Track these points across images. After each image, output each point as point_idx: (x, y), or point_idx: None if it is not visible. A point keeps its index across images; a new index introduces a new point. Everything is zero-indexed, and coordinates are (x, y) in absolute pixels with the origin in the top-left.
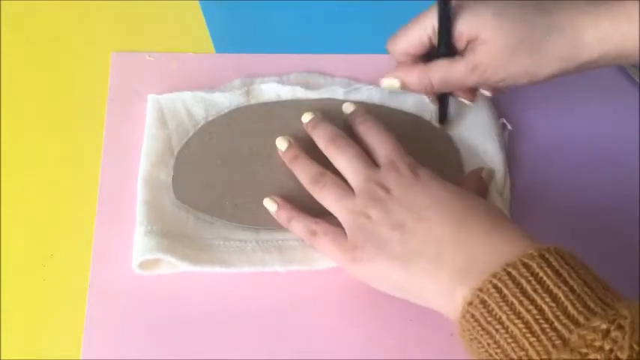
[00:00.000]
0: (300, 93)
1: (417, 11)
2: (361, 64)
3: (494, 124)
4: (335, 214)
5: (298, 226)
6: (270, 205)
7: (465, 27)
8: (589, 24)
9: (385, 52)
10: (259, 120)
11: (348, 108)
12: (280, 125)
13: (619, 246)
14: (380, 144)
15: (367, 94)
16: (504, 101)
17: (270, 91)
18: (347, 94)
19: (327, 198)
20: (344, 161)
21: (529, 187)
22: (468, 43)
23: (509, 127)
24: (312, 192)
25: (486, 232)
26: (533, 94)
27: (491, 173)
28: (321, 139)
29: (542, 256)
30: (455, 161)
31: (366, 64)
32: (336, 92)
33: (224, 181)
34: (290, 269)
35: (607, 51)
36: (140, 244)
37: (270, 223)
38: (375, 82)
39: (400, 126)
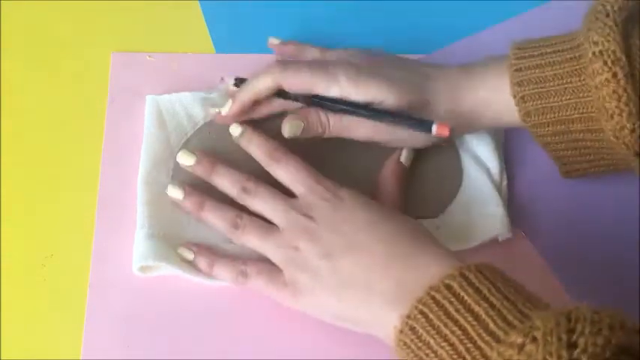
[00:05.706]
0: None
1: (418, 11)
2: None
3: None
4: (265, 254)
5: (224, 269)
6: (186, 253)
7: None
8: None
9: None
10: (259, 120)
11: (235, 130)
12: (280, 125)
13: (619, 244)
14: (292, 175)
15: None
16: None
17: None
18: None
19: (252, 239)
20: (260, 203)
21: (529, 186)
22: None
23: None
24: (233, 238)
25: (413, 255)
26: None
27: (410, 155)
28: (233, 185)
29: (463, 275)
30: (453, 160)
31: None
32: None
33: None
34: None
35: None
36: (141, 247)
37: None
38: None
39: None
